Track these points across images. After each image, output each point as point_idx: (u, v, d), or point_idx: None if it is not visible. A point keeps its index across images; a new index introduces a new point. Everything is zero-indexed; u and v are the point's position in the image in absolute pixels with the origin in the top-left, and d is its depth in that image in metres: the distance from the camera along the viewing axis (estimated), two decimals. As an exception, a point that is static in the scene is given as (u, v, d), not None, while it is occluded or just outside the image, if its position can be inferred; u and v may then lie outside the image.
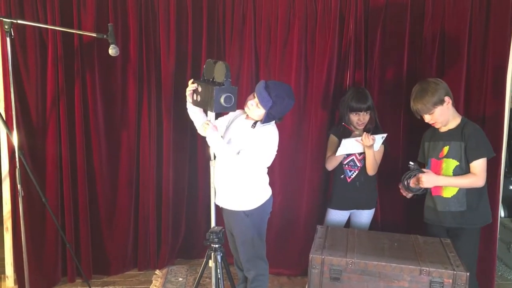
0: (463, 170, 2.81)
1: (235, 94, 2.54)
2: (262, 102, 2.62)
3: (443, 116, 2.83)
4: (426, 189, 2.92)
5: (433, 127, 2.92)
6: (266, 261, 2.94)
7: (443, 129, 2.89)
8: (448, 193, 2.86)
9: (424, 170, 2.87)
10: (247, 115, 2.78)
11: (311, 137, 3.41)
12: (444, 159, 2.85)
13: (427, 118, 2.84)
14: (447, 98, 2.80)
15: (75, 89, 3.25)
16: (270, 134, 2.72)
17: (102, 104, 3.35)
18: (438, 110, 2.80)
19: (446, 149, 2.85)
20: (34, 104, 3.19)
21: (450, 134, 2.86)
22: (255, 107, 2.66)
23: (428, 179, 2.82)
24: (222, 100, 2.49)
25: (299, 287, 3.50)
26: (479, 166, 2.78)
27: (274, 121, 2.75)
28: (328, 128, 3.33)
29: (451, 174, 2.83)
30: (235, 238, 2.85)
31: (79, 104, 3.27)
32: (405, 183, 2.90)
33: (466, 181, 2.80)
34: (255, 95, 2.64)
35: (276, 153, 2.77)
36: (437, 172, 2.87)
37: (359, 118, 3.11)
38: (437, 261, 2.54)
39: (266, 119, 2.67)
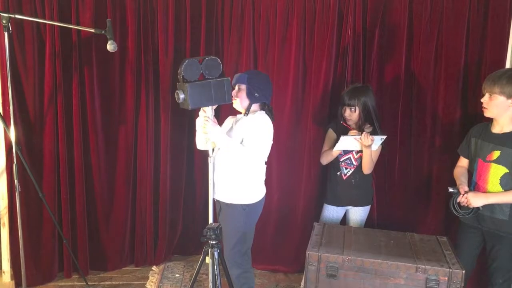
0: None
1: (184, 92, 2.46)
2: (239, 80, 2.75)
3: (498, 108, 2.62)
4: (478, 209, 2.69)
5: (483, 124, 2.80)
6: (250, 257, 2.96)
7: (496, 130, 2.71)
8: None
9: (465, 189, 2.71)
10: (238, 112, 2.86)
11: (309, 133, 3.42)
12: (493, 163, 2.67)
13: (485, 98, 2.67)
14: None
15: (72, 84, 3.25)
16: (263, 119, 2.77)
17: (99, 100, 3.35)
18: (499, 99, 2.60)
19: (496, 153, 2.66)
20: (32, 99, 3.19)
21: (503, 139, 2.65)
22: (237, 92, 2.76)
23: (475, 199, 2.65)
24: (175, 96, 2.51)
25: (295, 284, 3.51)
26: None
27: (264, 112, 2.81)
28: (327, 122, 3.34)
29: (498, 180, 2.65)
30: (227, 233, 2.84)
31: (76, 100, 3.26)
32: (455, 207, 2.73)
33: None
34: (235, 83, 2.78)
35: (272, 142, 2.80)
36: (484, 175, 2.70)
37: (347, 113, 3.12)
38: (433, 259, 2.55)
39: (251, 97, 2.74)
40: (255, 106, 2.79)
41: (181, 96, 2.46)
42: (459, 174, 2.88)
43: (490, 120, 2.77)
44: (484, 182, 2.71)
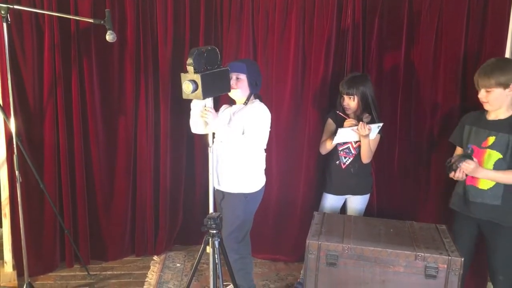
0: (506, 164, 2.63)
1: (197, 82, 2.42)
2: (237, 69, 2.76)
3: (498, 100, 2.62)
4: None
5: (478, 111, 2.78)
6: (249, 243, 3.02)
7: (491, 117, 2.71)
8: (485, 185, 2.69)
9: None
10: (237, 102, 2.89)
11: (309, 123, 3.43)
12: (488, 149, 2.67)
13: (482, 94, 2.65)
14: None
15: (72, 75, 3.25)
16: (262, 107, 2.83)
17: (99, 90, 3.35)
18: (497, 91, 2.60)
19: (491, 139, 2.67)
20: (31, 90, 3.19)
21: (498, 125, 2.66)
22: (236, 82, 2.77)
23: (468, 167, 2.62)
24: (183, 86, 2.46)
25: (296, 272, 3.53)
26: None
27: (258, 100, 2.87)
28: (327, 112, 3.34)
29: (492, 166, 2.66)
30: (226, 220, 2.85)
31: (76, 90, 3.26)
32: (453, 164, 2.69)
33: (508, 177, 2.62)
34: (231, 72, 2.73)
35: (269, 129, 2.86)
36: (479, 162, 2.68)
37: (345, 102, 3.13)
38: (432, 247, 2.57)
39: (252, 87, 2.79)
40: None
41: (193, 86, 2.42)
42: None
43: (484, 109, 2.76)
44: None
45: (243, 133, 2.76)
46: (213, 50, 2.50)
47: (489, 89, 2.62)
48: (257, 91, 2.86)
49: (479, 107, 3.21)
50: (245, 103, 2.81)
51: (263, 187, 2.92)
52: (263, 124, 2.79)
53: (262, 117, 2.79)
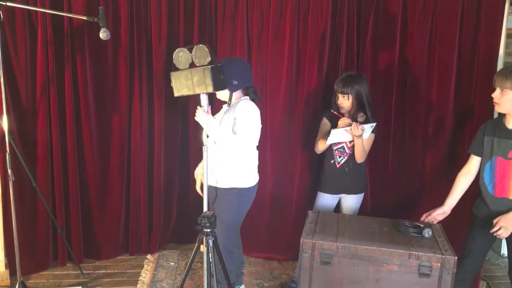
0: None
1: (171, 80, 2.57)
2: None
3: (511, 104, 2.53)
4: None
5: (495, 120, 2.68)
6: (239, 241, 3.07)
7: (511, 125, 2.61)
8: None
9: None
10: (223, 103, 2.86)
11: (303, 122, 3.43)
12: None
13: (496, 93, 2.56)
14: None
15: (65, 73, 3.23)
16: (247, 106, 2.77)
17: (93, 88, 3.34)
18: (511, 94, 2.51)
19: None
20: (24, 88, 3.17)
21: None
22: None
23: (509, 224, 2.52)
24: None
25: (290, 271, 3.53)
26: None
27: (247, 97, 2.83)
28: (321, 111, 3.33)
29: None
30: (218, 216, 2.84)
31: (69, 88, 3.25)
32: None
33: None
34: None
35: (260, 125, 2.82)
36: (506, 173, 2.60)
37: (340, 101, 3.12)
38: (426, 246, 2.57)
39: (229, 86, 2.69)
40: (237, 93, 2.80)
41: (171, 84, 2.53)
42: (460, 187, 2.78)
43: (501, 116, 2.67)
44: (509, 180, 2.61)
45: (234, 133, 2.74)
46: (199, 48, 2.46)
47: (503, 90, 2.54)
48: (238, 89, 2.78)
49: (473, 107, 3.23)
50: (228, 104, 2.76)
51: (256, 184, 2.91)
52: (252, 122, 2.76)
53: (249, 116, 2.75)
